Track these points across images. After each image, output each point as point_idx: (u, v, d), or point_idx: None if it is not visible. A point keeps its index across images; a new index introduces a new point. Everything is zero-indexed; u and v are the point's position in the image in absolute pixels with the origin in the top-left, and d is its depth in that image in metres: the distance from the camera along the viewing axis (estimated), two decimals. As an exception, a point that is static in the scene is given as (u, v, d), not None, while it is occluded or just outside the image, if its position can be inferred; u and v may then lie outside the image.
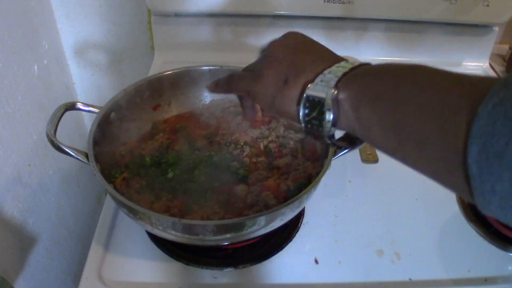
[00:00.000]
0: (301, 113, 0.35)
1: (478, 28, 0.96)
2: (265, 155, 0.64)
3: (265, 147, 0.65)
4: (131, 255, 0.58)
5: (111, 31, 1.01)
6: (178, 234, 0.49)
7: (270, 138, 0.66)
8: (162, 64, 0.93)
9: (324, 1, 0.87)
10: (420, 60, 1.00)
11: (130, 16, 0.99)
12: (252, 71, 0.41)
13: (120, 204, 0.49)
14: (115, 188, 0.55)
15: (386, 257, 0.59)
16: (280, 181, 0.59)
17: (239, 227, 0.49)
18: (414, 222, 0.64)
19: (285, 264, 0.58)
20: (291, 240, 0.60)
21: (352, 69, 0.34)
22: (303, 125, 0.36)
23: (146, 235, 0.60)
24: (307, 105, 0.34)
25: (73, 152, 0.53)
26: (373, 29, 0.95)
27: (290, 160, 0.63)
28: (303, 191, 0.50)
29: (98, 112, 0.60)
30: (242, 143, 0.65)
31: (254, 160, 0.63)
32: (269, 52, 0.40)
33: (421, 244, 0.60)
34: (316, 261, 0.58)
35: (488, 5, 0.89)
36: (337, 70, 0.34)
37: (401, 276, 0.56)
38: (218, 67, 0.70)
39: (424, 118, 0.28)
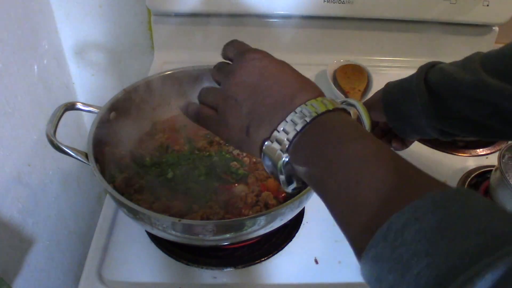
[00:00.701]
0: (263, 163, 0.38)
1: (478, 28, 0.96)
2: (265, 155, 0.64)
3: (265, 147, 0.65)
4: (131, 255, 0.58)
5: (111, 31, 1.00)
6: (178, 234, 0.49)
7: (270, 138, 0.66)
8: (162, 64, 0.93)
9: (324, 1, 0.87)
10: (420, 60, 1.00)
11: (130, 16, 0.98)
12: (215, 109, 0.41)
13: (120, 204, 0.49)
14: (115, 188, 0.55)
15: (386, 257, 0.59)
16: (280, 181, 0.59)
17: (239, 227, 0.49)
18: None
19: (285, 264, 0.58)
20: (291, 240, 0.60)
21: (303, 128, 0.34)
22: (267, 172, 0.38)
23: (146, 235, 0.60)
24: (266, 159, 0.37)
25: (73, 152, 0.53)
26: (373, 29, 0.95)
27: (290, 160, 0.63)
28: (303, 191, 0.50)
29: (98, 112, 0.60)
30: (242, 143, 0.65)
31: (254, 160, 0.63)
32: (230, 92, 0.40)
33: (421, 244, 0.60)
34: (316, 261, 0.58)
35: (488, 5, 0.89)
36: (291, 126, 0.35)
37: (401, 276, 0.56)
38: (218, 67, 0.70)
39: (342, 219, 0.33)
